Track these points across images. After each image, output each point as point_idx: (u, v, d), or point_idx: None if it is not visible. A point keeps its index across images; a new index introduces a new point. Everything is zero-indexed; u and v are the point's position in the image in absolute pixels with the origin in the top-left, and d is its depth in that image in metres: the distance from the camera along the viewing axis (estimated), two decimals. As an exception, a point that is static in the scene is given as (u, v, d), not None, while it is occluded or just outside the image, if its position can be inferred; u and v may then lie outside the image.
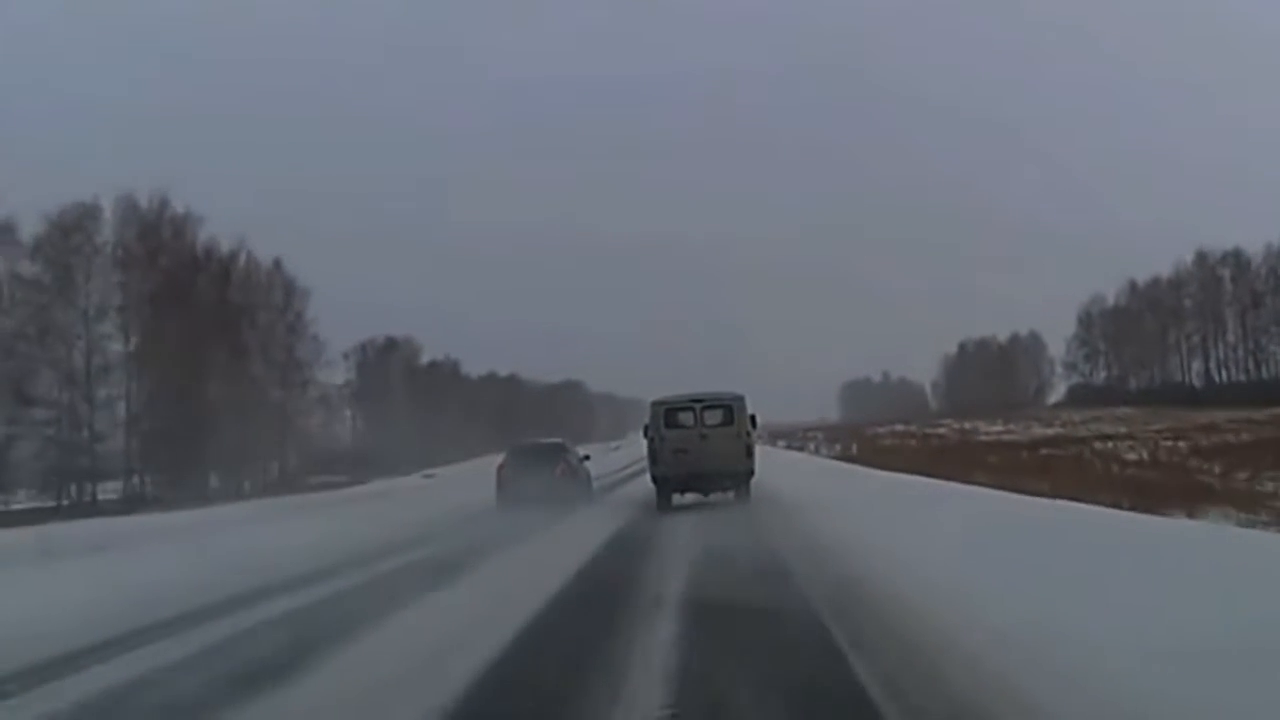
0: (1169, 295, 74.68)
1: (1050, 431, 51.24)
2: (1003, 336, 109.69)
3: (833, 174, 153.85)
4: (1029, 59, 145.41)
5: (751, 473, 18.82)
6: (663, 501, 19.05)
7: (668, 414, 19.01)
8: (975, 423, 67.27)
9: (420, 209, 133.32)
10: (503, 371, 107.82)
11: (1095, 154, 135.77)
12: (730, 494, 18.99)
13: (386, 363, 66.65)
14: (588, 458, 26.61)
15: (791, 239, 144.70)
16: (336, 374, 68.21)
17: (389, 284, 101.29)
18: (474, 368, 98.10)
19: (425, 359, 76.52)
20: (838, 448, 54.17)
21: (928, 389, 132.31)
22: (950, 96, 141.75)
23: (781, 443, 63.44)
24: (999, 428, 60.81)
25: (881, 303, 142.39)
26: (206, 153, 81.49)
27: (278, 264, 44.09)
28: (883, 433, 67.44)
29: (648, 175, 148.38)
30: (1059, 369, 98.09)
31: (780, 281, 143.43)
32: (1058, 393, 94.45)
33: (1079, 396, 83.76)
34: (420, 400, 72.23)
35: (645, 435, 19.46)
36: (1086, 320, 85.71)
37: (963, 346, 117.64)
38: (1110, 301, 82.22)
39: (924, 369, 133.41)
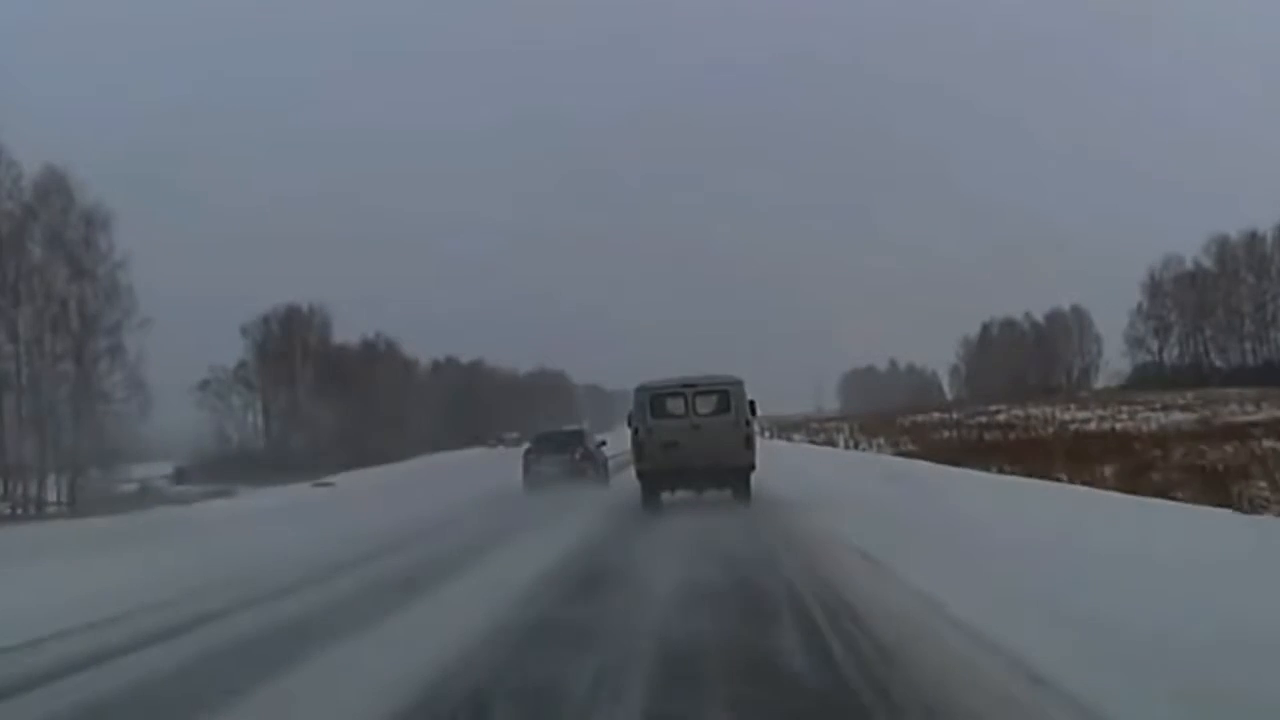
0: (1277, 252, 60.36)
1: (1184, 417, 36.94)
2: (1036, 315, 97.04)
3: (833, 154, 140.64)
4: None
5: (752, 467, 16.85)
6: (649, 501, 17.01)
7: (655, 401, 17.05)
8: (1039, 408, 53.10)
9: (397, 200, 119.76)
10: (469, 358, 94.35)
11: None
12: (727, 492, 16.96)
13: (289, 340, 51.63)
14: (604, 443, 26.96)
15: (785, 227, 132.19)
16: (230, 354, 53.80)
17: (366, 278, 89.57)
18: (442, 355, 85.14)
19: (355, 337, 61.85)
20: (879, 442, 39.85)
21: (944, 376, 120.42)
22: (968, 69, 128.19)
23: (798, 436, 49.18)
24: (1084, 414, 46.50)
25: (882, 288, 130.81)
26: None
27: (58, 174, 29.29)
28: (921, 422, 53.32)
29: (639, 160, 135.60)
30: (1107, 347, 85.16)
31: (774, 268, 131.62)
32: (1113, 375, 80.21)
33: (1148, 378, 69.48)
34: (344, 388, 57.53)
35: (629, 425, 17.34)
36: (1154, 288, 71.46)
37: (986, 328, 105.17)
38: (1188, 264, 67.91)
39: (933, 355, 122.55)
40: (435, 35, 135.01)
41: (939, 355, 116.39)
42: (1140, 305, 71.98)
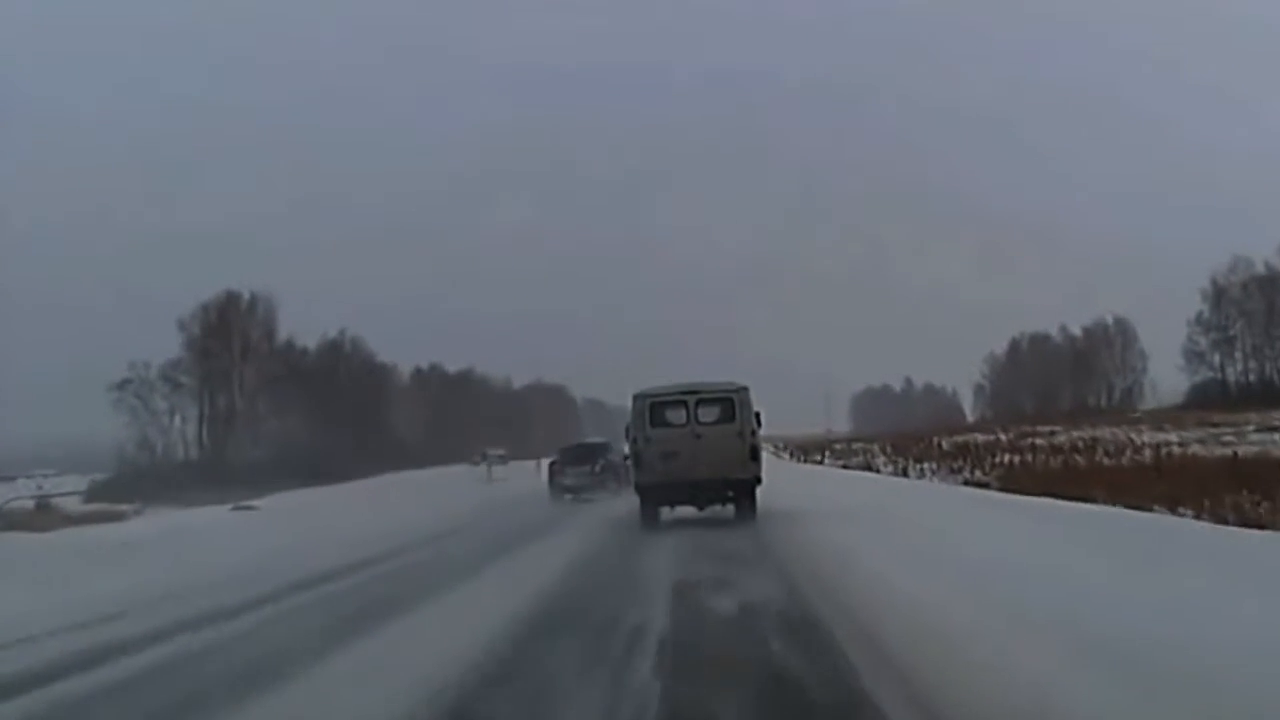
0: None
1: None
2: (1073, 328, 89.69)
3: (848, 169, 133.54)
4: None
5: (758, 480, 15.67)
6: (648, 517, 15.80)
7: (654, 409, 15.89)
8: (1101, 429, 45.63)
9: (397, 206, 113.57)
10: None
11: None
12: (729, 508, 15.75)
13: (226, 334, 44.06)
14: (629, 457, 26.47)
15: (793, 240, 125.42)
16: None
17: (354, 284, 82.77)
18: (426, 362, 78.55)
19: (316, 336, 54.34)
20: (927, 467, 32.46)
21: (968, 395, 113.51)
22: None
23: (826, 458, 41.70)
24: (1167, 436, 38.87)
25: (895, 304, 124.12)
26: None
27: None
28: (964, 443, 45.88)
29: (644, 172, 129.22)
30: (1153, 364, 77.95)
31: (782, 283, 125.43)
32: (1164, 393, 72.51)
33: (1210, 397, 61.73)
34: (299, 394, 50.20)
35: (627, 436, 16.59)
36: (1217, 295, 63.79)
37: (1015, 343, 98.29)
38: (1259, 267, 60.22)
39: (952, 374, 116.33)
40: (431, 35, 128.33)
41: (958, 374, 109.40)
42: (1201, 314, 64.36)
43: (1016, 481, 22.61)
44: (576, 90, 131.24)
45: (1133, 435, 41.31)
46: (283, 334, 48.36)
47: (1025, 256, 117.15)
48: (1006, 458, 33.21)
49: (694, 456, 15.50)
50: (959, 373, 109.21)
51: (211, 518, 29.43)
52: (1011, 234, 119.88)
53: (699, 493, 15.92)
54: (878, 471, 31.89)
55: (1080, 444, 38.00)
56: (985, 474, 26.66)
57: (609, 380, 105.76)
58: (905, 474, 30.77)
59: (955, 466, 31.06)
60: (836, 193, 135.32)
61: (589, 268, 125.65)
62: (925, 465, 33.28)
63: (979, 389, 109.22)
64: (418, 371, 75.50)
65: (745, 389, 15.98)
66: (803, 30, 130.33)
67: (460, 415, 79.61)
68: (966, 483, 24.44)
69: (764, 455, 16.31)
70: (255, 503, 34.93)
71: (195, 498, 38.60)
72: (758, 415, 15.91)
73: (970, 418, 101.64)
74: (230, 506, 33.63)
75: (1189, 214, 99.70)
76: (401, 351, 71.33)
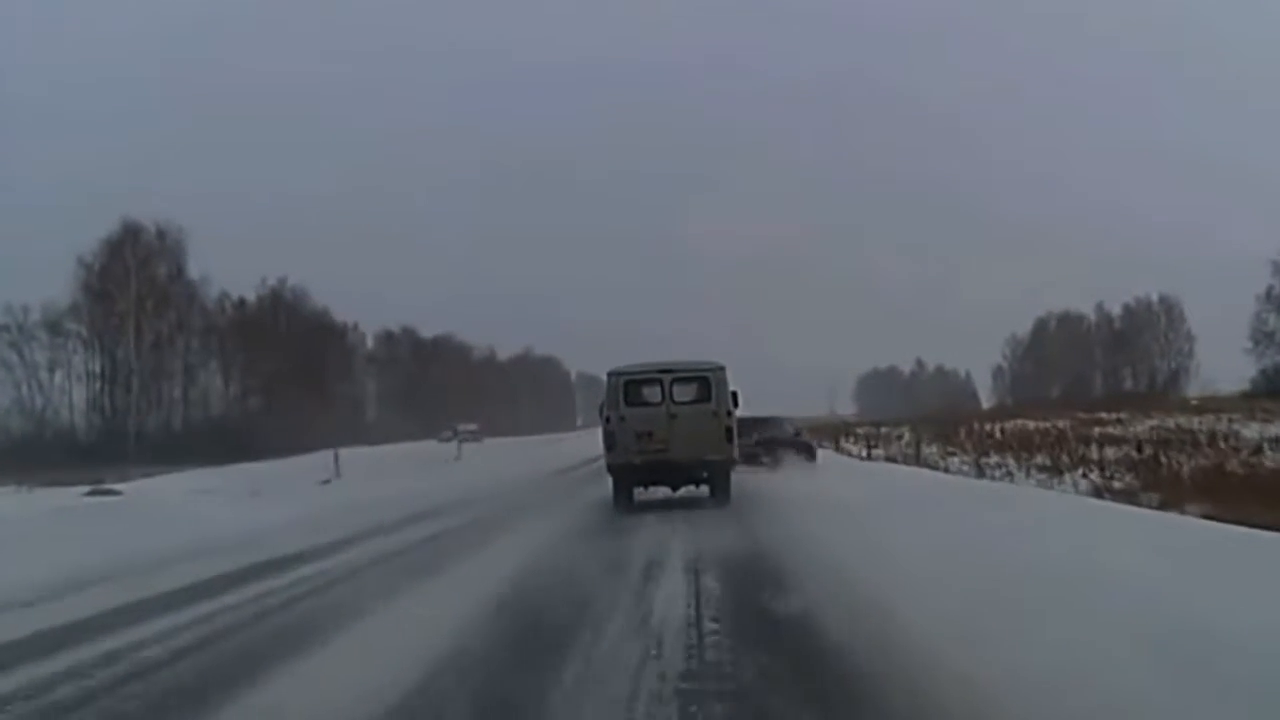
0: None
1: None
2: (1110, 307, 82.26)
3: (856, 147, 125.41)
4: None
5: (734, 462, 15.67)
6: (620, 500, 15.43)
7: (628, 387, 15.55)
8: (1175, 417, 38.49)
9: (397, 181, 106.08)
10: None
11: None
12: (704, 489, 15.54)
13: (123, 274, 35.92)
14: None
15: (799, 213, 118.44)
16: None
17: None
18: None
19: (251, 287, 46.36)
20: (997, 461, 24.92)
21: (986, 379, 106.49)
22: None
23: (860, 446, 34.26)
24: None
25: (903, 285, 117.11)
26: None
27: None
28: (1013, 429, 39.00)
29: (646, 155, 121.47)
30: (1200, 346, 71.37)
31: (785, 266, 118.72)
32: (1216, 379, 64.77)
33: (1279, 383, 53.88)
34: (224, 352, 42.42)
35: (600, 414, 16.01)
36: (1287, 269, 55.98)
37: (1041, 324, 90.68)
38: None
39: (964, 357, 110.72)
40: (439, 31, 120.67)
41: (972, 356, 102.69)
42: (1271, 290, 56.56)
43: (1197, 495, 14.92)
44: (581, 84, 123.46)
45: (1232, 426, 33.76)
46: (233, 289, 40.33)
47: (1049, 235, 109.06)
48: (1106, 451, 25.61)
49: (668, 436, 15.16)
50: (973, 355, 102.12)
51: (39, 507, 21.87)
52: (1032, 212, 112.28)
53: (673, 474, 15.60)
54: (946, 470, 23.99)
55: (1176, 437, 30.41)
56: (1105, 477, 18.98)
57: (606, 355, 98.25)
58: (981, 471, 23.12)
59: (1041, 464, 23.39)
60: (847, 174, 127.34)
61: (589, 242, 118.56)
62: (989, 460, 25.71)
63: (998, 371, 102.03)
64: (388, 334, 67.52)
65: (722, 368, 15.59)
66: (805, 23, 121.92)
67: (437, 386, 72.31)
68: (1097, 491, 16.77)
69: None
70: (123, 486, 27.46)
71: (71, 476, 31.21)
72: (734, 395, 15.53)
73: (986, 402, 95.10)
74: (86, 490, 26.24)
75: (1221, 190, 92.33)
76: (385, 318, 64.44)
